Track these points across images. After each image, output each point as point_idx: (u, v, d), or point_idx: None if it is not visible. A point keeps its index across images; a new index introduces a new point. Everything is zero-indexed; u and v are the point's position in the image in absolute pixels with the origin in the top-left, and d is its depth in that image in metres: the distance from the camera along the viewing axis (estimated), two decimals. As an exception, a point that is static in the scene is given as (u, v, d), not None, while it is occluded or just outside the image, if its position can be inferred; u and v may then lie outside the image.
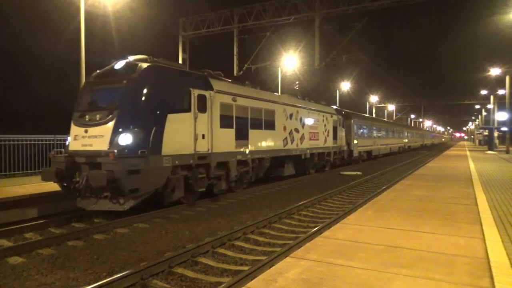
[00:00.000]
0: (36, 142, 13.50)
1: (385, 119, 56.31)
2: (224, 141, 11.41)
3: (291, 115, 16.09)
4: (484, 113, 61.88)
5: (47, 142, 13.82)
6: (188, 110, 9.94)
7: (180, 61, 27.22)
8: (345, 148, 23.60)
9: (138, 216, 9.09)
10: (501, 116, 39.98)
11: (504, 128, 35.15)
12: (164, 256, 6.21)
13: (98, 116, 8.98)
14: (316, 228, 8.01)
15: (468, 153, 32.20)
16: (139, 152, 8.46)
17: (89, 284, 5.18)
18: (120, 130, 8.63)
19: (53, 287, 5.31)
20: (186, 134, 9.82)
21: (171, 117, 9.36)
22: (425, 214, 6.72)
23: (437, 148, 64.92)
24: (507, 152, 31.30)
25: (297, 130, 16.60)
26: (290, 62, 29.21)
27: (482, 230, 5.55)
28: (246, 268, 5.87)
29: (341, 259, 4.31)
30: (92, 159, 8.62)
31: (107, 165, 8.21)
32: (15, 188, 10.25)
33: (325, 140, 20.14)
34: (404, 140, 46.85)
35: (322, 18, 23.53)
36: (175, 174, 9.56)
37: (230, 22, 26.25)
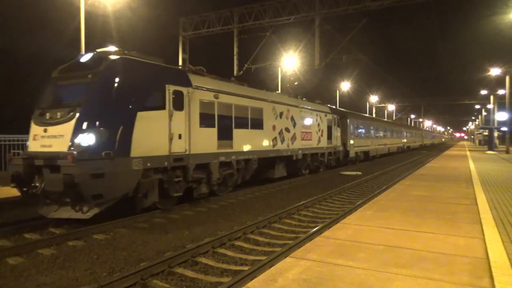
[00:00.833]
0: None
1: (383, 119, 55.50)
2: (205, 141, 10.61)
3: (281, 114, 15.22)
4: (484, 113, 61.87)
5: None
6: (162, 107, 9.17)
7: (180, 61, 27.22)
8: (341, 148, 22.73)
9: (138, 216, 9.08)
10: (501, 116, 39.98)
11: (504, 128, 35.15)
12: (164, 256, 6.21)
13: (59, 114, 8.19)
14: (316, 228, 8.00)
15: (468, 153, 32.20)
16: (103, 153, 7.72)
17: (89, 284, 5.18)
18: (82, 129, 7.84)
19: (53, 287, 5.31)
20: (159, 133, 9.07)
21: (142, 115, 8.57)
22: (425, 214, 6.72)
23: (437, 148, 64.90)
24: (507, 152, 31.30)
25: (287, 130, 15.73)
26: (290, 62, 29.21)
27: (482, 230, 5.55)
28: (246, 268, 5.87)
29: (341, 259, 4.31)
30: (51, 161, 7.76)
31: (65, 169, 7.44)
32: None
33: (319, 140, 19.21)
34: (403, 140, 46.07)
35: (322, 18, 23.55)
36: (147, 178, 8.76)
37: (230, 22, 26.26)
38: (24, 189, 8.21)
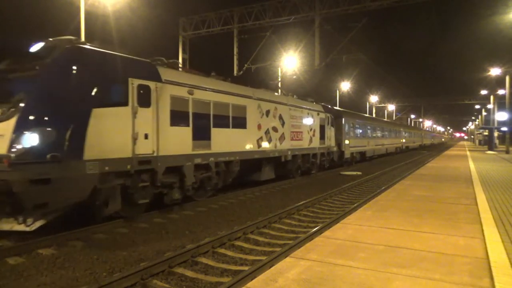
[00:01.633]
0: None
1: (381, 118, 53.78)
2: (177, 141, 9.65)
3: (267, 112, 14.21)
4: (484, 113, 61.88)
5: None
6: (124, 103, 8.19)
7: (180, 61, 27.23)
8: (335, 149, 21.58)
9: (138, 216, 9.08)
10: (501, 116, 39.98)
11: (504, 128, 35.14)
12: (164, 256, 6.21)
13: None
14: (316, 228, 8.01)
15: (468, 153, 32.20)
16: (48, 156, 6.69)
17: (89, 284, 5.19)
18: (24, 128, 6.82)
19: (53, 287, 5.31)
20: (120, 133, 8.08)
21: (98, 112, 7.58)
22: (425, 214, 6.71)
23: (437, 148, 64.91)
24: (507, 152, 31.30)
25: (275, 129, 14.73)
26: (290, 62, 29.21)
27: (482, 230, 5.54)
28: (246, 268, 5.87)
29: (341, 259, 4.31)
30: None
31: (1, 174, 6.47)
32: None
33: (311, 140, 18.09)
34: (401, 140, 45.04)
35: (322, 18, 23.56)
36: (105, 183, 7.80)
37: (230, 22, 26.27)
38: None
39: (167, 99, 9.41)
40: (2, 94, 7.51)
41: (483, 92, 50.55)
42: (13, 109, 6.95)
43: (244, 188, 13.44)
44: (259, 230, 8.31)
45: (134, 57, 9.25)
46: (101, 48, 8.40)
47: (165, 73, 9.55)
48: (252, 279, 3.95)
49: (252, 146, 13.16)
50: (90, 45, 8.23)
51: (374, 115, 60.33)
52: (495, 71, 34.45)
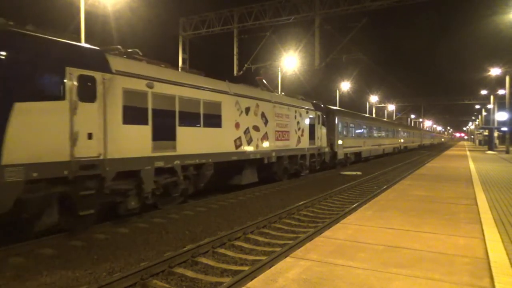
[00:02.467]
0: None
1: (378, 117, 52.04)
2: (132, 142, 8.42)
3: (247, 110, 12.93)
4: (484, 113, 61.90)
5: None
6: (59, 97, 6.98)
7: (180, 61, 27.24)
8: (327, 149, 20.27)
9: (138, 216, 9.08)
10: (501, 116, 39.99)
11: (504, 128, 35.15)
12: (164, 256, 6.21)
13: None
14: (316, 228, 8.01)
15: (468, 153, 32.20)
16: None
17: (89, 284, 5.19)
18: None
19: (53, 287, 5.31)
20: (54, 132, 6.87)
21: (23, 107, 6.43)
22: (425, 214, 6.71)
23: (436, 148, 64.90)
24: (507, 152, 31.30)
25: (256, 128, 13.47)
26: (290, 62, 29.22)
27: (482, 230, 5.54)
28: (246, 268, 5.87)
29: (341, 259, 4.31)
30: None
31: None
32: None
33: (299, 141, 16.74)
34: (399, 140, 43.79)
35: (322, 18, 23.56)
36: (35, 193, 6.61)
37: (230, 22, 26.27)
38: None
39: (119, 93, 8.15)
40: None
41: (483, 92, 50.58)
42: None
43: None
44: (259, 230, 8.31)
45: (76, 43, 7.87)
46: (34, 32, 7.14)
47: (117, 63, 8.27)
48: (252, 279, 3.95)
49: (228, 147, 11.90)
50: (17, 29, 6.96)
51: (374, 115, 60.25)
52: (495, 71, 34.45)
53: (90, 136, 7.45)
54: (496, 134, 43.03)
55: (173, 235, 7.89)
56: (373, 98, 63.65)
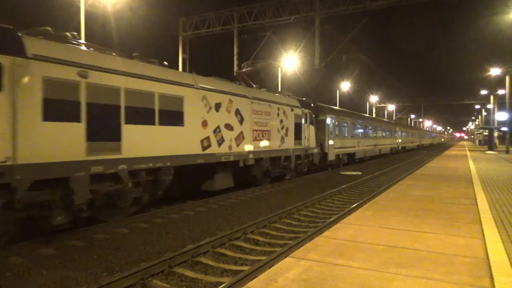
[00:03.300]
0: None
1: (373, 116, 50.03)
2: (56, 143, 6.98)
3: (217, 106, 11.37)
4: (484, 113, 61.92)
5: None
6: None
7: (180, 61, 27.25)
8: (316, 150, 18.63)
9: (139, 216, 9.09)
10: (501, 116, 40.02)
11: (504, 128, 35.17)
12: (164, 256, 6.21)
13: None
14: (316, 228, 8.01)
15: (468, 153, 32.21)
16: None
17: (89, 284, 5.19)
18: None
19: (53, 287, 5.31)
20: None
21: None
22: (425, 214, 6.72)
23: (436, 149, 64.92)
24: (507, 152, 31.31)
25: (229, 127, 11.94)
26: (290, 62, 29.25)
27: (482, 230, 5.55)
28: (246, 268, 5.87)
29: (341, 259, 4.31)
30: None
31: None
32: None
33: (282, 141, 15.17)
34: (397, 140, 42.01)
35: (322, 18, 23.58)
36: None
37: (230, 22, 26.29)
38: None
39: (38, 82, 6.72)
40: None
41: (483, 92, 50.57)
42: None
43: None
44: (259, 230, 8.31)
45: None
46: None
47: (35, 46, 6.83)
48: (252, 279, 3.95)
49: (193, 148, 10.35)
50: None
51: (374, 115, 60.23)
52: (495, 71, 34.45)
53: None
54: (496, 134, 43.05)
55: (173, 235, 7.90)
56: (373, 98, 63.71)
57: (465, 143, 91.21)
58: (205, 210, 10.42)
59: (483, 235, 5.28)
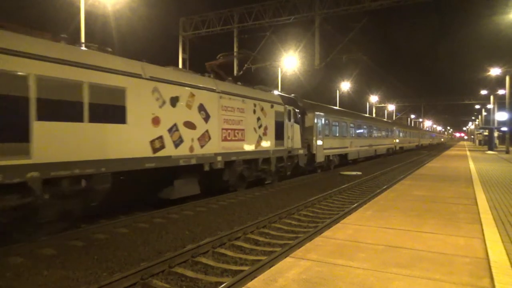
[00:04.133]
0: None
1: (368, 115, 47.45)
2: None
3: (174, 100, 9.66)
4: (484, 113, 61.93)
5: None
6: None
7: (180, 61, 27.27)
8: (301, 151, 16.77)
9: (139, 216, 9.09)
10: (501, 116, 40.03)
11: (504, 128, 35.17)
12: (164, 256, 6.21)
13: None
14: (316, 228, 8.01)
15: (468, 153, 32.21)
16: None
17: (89, 284, 5.19)
18: None
19: (53, 287, 5.31)
20: None
21: None
22: (425, 214, 6.72)
23: (436, 149, 64.91)
24: (507, 152, 31.31)
25: (191, 125, 10.22)
26: (290, 62, 29.25)
27: (482, 230, 5.55)
28: (246, 268, 5.87)
29: (341, 259, 4.31)
30: None
31: None
32: None
33: (259, 141, 13.48)
34: (394, 141, 40.33)
35: (322, 18, 23.57)
36: None
37: (230, 22, 26.29)
38: None
39: None
40: None
41: (483, 92, 50.59)
42: None
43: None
44: (259, 230, 8.31)
45: None
46: None
47: None
48: (252, 279, 3.95)
49: (140, 150, 8.66)
50: None
51: (374, 115, 60.19)
52: (495, 71, 34.47)
53: None
54: (496, 134, 43.04)
55: (173, 235, 7.90)
56: (373, 98, 63.74)
57: (465, 143, 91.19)
58: (205, 210, 10.42)
59: (483, 235, 5.28)
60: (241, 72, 27.50)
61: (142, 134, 8.76)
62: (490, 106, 46.99)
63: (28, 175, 6.49)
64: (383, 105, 72.55)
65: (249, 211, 10.31)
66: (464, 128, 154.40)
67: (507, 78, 32.03)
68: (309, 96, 20.68)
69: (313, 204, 11.23)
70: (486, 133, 48.27)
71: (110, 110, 8.05)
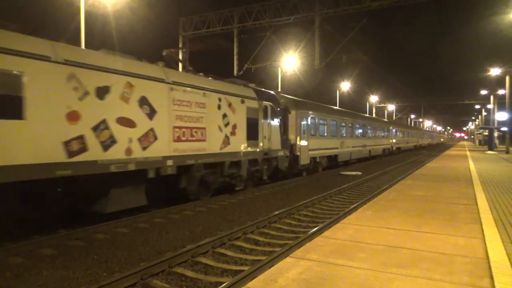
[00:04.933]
0: None
1: (361, 113, 42.43)
2: None
3: (102, 91, 7.78)
4: (484, 113, 61.93)
5: None
6: None
7: (180, 62, 27.28)
8: (281, 153, 14.87)
9: (139, 216, 9.09)
10: (501, 116, 40.02)
11: (504, 128, 35.16)
12: (164, 256, 6.21)
13: None
14: (316, 228, 8.01)
15: (468, 153, 32.21)
16: None
17: (89, 284, 5.19)
18: None
19: (53, 287, 5.31)
20: None
21: None
22: (425, 214, 6.72)
23: (436, 149, 64.91)
24: (507, 152, 31.31)
25: (128, 123, 8.37)
26: (290, 62, 29.25)
27: (482, 230, 5.55)
28: (246, 268, 5.87)
29: (341, 259, 4.31)
30: None
31: None
32: None
33: (226, 142, 11.58)
34: (390, 141, 38.21)
35: (322, 18, 23.57)
36: None
37: (230, 22, 26.28)
38: None
39: None
40: None
41: (483, 92, 50.60)
42: None
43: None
44: (259, 230, 8.31)
45: None
46: None
47: None
48: (252, 279, 3.95)
49: (47, 154, 6.76)
50: None
51: (374, 115, 60.14)
52: (495, 71, 34.48)
53: None
54: (496, 134, 43.04)
55: (173, 235, 7.90)
56: (373, 98, 63.76)
57: (465, 143, 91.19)
58: (205, 210, 10.41)
59: (483, 235, 5.28)
60: (241, 72, 27.51)
61: (50, 133, 6.84)
62: (490, 106, 46.98)
63: None
64: (383, 105, 72.56)
65: (249, 211, 10.31)
66: (464, 128, 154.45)
67: (507, 78, 32.03)
68: (309, 96, 20.67)
69: (313, 204, 11.23)
70: (486, 133, 48.29)
71: None
